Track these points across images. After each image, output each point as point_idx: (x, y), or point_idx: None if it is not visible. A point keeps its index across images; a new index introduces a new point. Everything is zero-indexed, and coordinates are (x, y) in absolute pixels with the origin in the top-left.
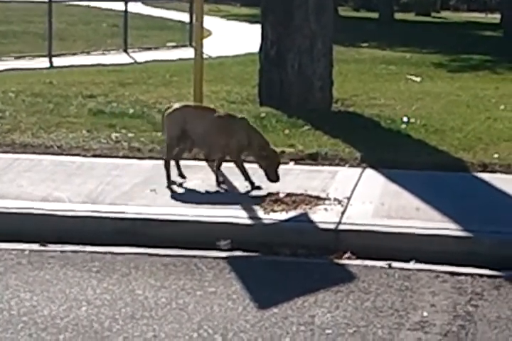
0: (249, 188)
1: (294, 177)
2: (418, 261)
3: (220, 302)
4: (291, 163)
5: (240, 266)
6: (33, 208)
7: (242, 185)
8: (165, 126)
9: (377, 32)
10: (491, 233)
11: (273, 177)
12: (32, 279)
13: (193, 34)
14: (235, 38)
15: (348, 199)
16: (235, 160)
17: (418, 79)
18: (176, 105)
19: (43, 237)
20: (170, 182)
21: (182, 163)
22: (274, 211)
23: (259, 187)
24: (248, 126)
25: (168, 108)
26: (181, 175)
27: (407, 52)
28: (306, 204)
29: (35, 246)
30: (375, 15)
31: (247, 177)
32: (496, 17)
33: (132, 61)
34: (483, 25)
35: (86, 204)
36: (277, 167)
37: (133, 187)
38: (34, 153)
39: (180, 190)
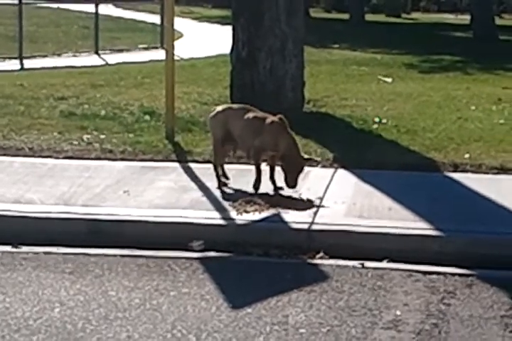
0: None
1: (266, 178)
2: (391, 260)
3: (193, 303)
4: (264, 164)
5: (213, 266)
6: (4, 210)
7: (214, 186)
8: (209, 129)
9: (349, 33)
10: (463, 232)
11: (291, 182)
12: (4, 281)
13: (164, 36)
14: (206, 40)
15: (321, 199)
16: (253, 160)
17: (389, 80)
18: (219, 108)
19: (16, 239)
20: (220, 184)
21: (152, 164)
22: (246, 211)
23: (281, 188)
24: (279, 127)
25: (212, 111)
26: (225, 176)
27: (378, 54)
28: (279, 205)
29: (8, 248)
30: (346, 16)
31: (257, 181)
32: (466, 18)
33: (104, 63)
34: (453, 26)
35: (58, 206)
36: (299, 173)
37: (105, 188)
38: (5, 155)
39: (156, 192)
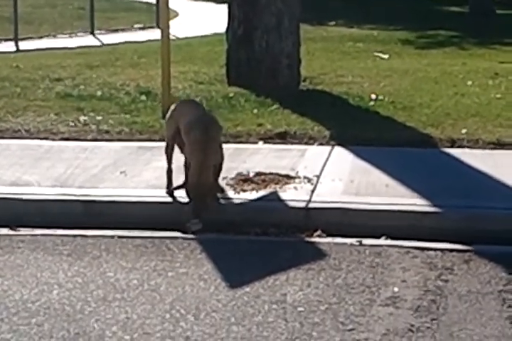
0: None
1: (263, 157)
2: (388, 237)
3: (191, 283)
4: (260, 143)
5: (210, 246)
6: (1, 193)
7: None
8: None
9: (345, 9)
10: (460, 208)
11: None
12: (2, 264)
13: (160, 15)
14: (201, 19)
15: (318, 177)
16: None
17: (386, 56)
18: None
19: (13, 221)
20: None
21: (149, 144)
22: (243, 190)
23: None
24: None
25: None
26: None
27: (375, 30)
28: (276, 183)
29: (5, 231)
30: None
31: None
32: None
33: (99, 43)
34: (449, 1)
35: (55, 188)
36: None
37: (102, 169)
38: (1, 137)
39: (153, 172)
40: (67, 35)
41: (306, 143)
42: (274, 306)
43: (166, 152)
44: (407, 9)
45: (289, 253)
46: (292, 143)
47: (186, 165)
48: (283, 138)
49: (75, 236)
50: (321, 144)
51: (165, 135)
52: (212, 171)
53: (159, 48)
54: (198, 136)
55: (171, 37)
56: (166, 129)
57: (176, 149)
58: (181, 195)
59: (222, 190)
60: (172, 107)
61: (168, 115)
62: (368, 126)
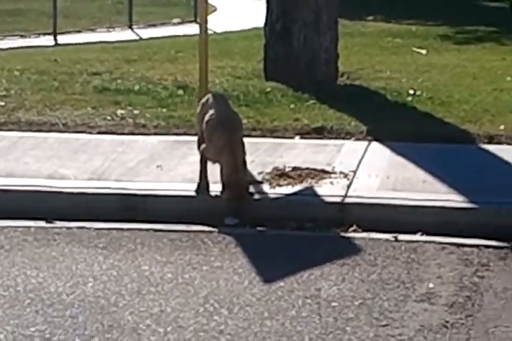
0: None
1: (299, 151)
2: (424, 233)
3: (225, 277)
4: (297, 137)
5: (245, 240)
6: (39, 185)
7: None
8: None
9: (383, 5)
10: (497, 204)
11: None
12: (38, 256)
13: (198, 10)
14: (240, 13)
15: (354, 172)
16: None
17: (424, 51)
18: None
19: (49, 214)
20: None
21: (185, 138)
22: (279, 185)
23: None
24: None
25: None
26: None
27: (413, 25)
28: (312, 178)
29: (42, 223)
30: None
31: None
32: None
33: (137, 38)
34: None
35: (92, 181)
36: None
37: (138, 163)
38: (39, 131)
39: (188, 167)
40: (106, 30)
41: (343, 138)
42: (308, 301)
43: (199, 147)
44: (446, 4)
45: (325, 248)
46: (329, 138)
47: (203, 160)
48: (320, 133)
49: (110, 229)
50: (358, 139)
51: (196, 130)
52: (243, 170)
53: (197, 43)
54: (222, 137)
55: (209, 31)
56: (196, 124)
57: None
58: (216, 190)
59: (260, 182)
60: (201, 102)
61: (197, 110)
62: (406, 122)
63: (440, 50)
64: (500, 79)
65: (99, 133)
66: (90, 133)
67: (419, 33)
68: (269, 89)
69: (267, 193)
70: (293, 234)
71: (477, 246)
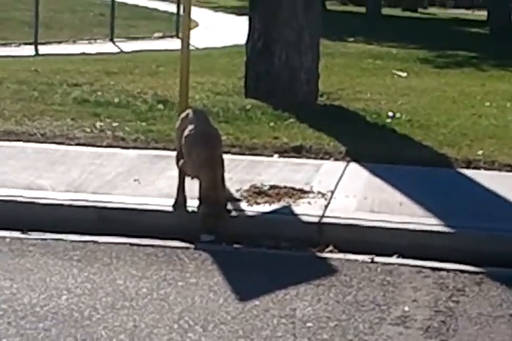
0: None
1: (278, 170)
2: (401, 255)
3: (201, 294)
4: (276, 156)
5: (222, 257)
6: (15, 196)
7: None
8: None
9: (365, 27)
10: (474, 229)
11: None
12: (12, 267)
13: (180, 25)
14: (222, 30)
15: (332, 192)
16: None
17: (404, 74)
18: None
19: (25, 225)
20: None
21: (164, 153)
22: (257, 203)
23: None
24: None
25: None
26: None
27: (394, 48)
28: (290, 197)
29: (17, 234)
30: (362, 9)
31: None
32: (482, 14)
33: (118, 50)
34: (469, 22)
35: (69, 193)
36: None
37: (116, 176)
38: (18, 140)
39: (166, 181)
40: (87, 41)
41: (322, 158)
42: (283, 320)
43: (177, 163)
44: (428, 29)
45: (301, 267)
46: (308, 158)
47: (181, 176)
48: (298, 152)
49: (86, 241)
50: (337, 160)
51: (175, 145)
52: (222, 186)
53: (178, 58)
54: (202, 153)
55: (191, 47)
56: (176, 139)
57: None
58: (193, 205)
59: (238, 199)
60: (180, 117)
61: (176, 125)
62: (384, 144)
63: (420, 73)
64: (479, 104)
65: (77, 144)
66: (69, 144)
67: (400, 55)
68: (249, 107)
69: (244, 211)
70: (269, 253)
71: (453, 270)
